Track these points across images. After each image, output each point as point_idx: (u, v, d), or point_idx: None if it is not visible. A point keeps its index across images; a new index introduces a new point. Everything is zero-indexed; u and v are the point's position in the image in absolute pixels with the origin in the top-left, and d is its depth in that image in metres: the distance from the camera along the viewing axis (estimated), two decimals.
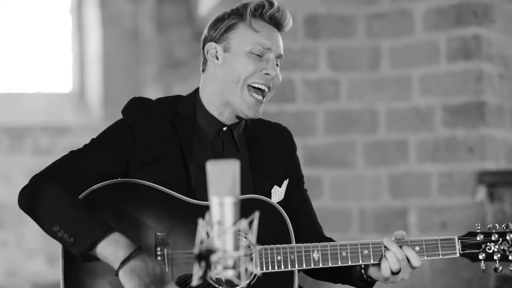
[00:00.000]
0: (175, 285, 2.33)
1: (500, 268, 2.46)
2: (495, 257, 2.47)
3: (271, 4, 2.59)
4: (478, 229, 2.50)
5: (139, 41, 7.10)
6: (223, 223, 1.66)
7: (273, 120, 2.82)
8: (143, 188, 2.49)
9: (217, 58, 2.59)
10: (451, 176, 4.61)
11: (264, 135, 2.69)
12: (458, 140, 4.60)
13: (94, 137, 2.59)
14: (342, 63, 4.84)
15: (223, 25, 2.59)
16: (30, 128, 6.86)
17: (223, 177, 1.66)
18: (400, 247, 2.45)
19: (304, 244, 2.45)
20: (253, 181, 2.58)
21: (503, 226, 2.50)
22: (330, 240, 2.61)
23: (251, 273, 2.40)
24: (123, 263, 2.31)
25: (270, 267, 2.43)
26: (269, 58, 2.57)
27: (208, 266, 1.66)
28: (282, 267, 2.43)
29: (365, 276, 2.51)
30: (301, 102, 4.81)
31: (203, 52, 2.63)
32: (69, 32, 7.27)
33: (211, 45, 2.60)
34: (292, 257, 2.44)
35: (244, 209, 1.80)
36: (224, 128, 2.61)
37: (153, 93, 6.90)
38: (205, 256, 1.65)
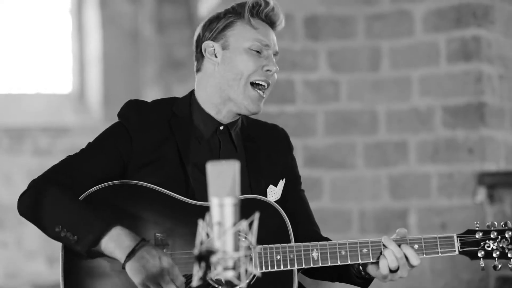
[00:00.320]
0: (181, 275, 2.33)
1: (499, 266, 2.46)
2: (494, 255, 2.48)
3: (267, 3, 2.63)
4: (477, 227, 2.50)
5: (139, 41, 7.10)
6: (223, 224, 1.66)
7: (273, 121, 2.83)
8: (142, 189, 2.49)
9: (216, 56, 2.60)
10: (451, 177, 4.61)
11: (260, 135, 2.69)
12: (458, 141, 4.60)
13: (93, 139, 2.60)
14: (342, 64, 4.84)
15: (220, 24, 2.61)
16: (30, 128, 6.86)
17: (223, 178, 1.66)
18: (399, 245, 2.45)
19: (304, 243, 2.45)
20: (249, 181, 2.59)
21: (502, 224, 2.51)
22: (327, 240, 2.61)
23: (251, 273, 2.40)
24: (129, 256, 2.32)
25: (269, 267, 2.43)
26: (268, 55, 2.60)
27: (208, 267, 1.66)
28: (282, 266, 2.44)
29: (363, 273, 2.51)
30: (301, 103, 4.81)
31: (199, 51, 2.64)
32: (69, 32, 7.27)
33: (208, 43, 2.61)
34: (292, 256, 2.44)
35: (243, 209, 1.80)
36: (221, 127, 2.61)
37: (153, 93, 6.90)
38: (205, 257, 1.65)
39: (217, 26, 2.61)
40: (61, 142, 6.81)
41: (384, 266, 2.44)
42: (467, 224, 2.56)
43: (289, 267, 2.44)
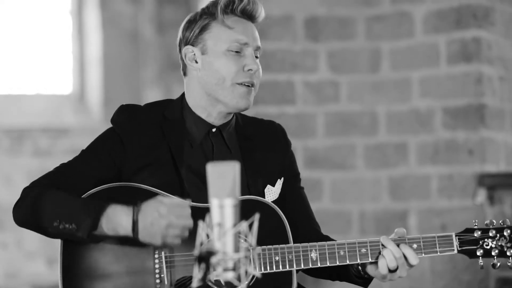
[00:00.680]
0: (188, 205, 2.32)
1: (498, 264, 2.46)
2: (493, 253, 2.47)
3: None
4: (475, 225, 2.50)
5: (139, 42, 7.10)
6: (223, 225, 1.66)
7: None
8: (140, 191, 2.49)
9: (196, 62, 2.57)
10: (451, 179, 4.61)
11: (257, 133, 2.67)
12: (458, 143, 4.60)
13: (91, 141, 2.60)
14: (342, 65, 4.84)
15: (196, 26, 2.57)
16: (30, 129, 6.85)
17: (223, 179, 1.66)
18: (398, 245, 2.45)
19: (302, 244, 2.45)
20: (247, 181, 2.58)
21: (500, 222, 2.51)
22: (328, 238, 2.61)
23: (250, 275, 2.40)
24: (134, 230, 2.33)
25: (268, 268, 2.43)
26: (248, 53, 2.55)
27: (208, 268, 1.66)
28: (281, 267, 2.43)
29: (362, 273, 2.51)
30: (301, 104, 4.81)
31: (181, 57, 2.62)
32: (69, 33, 7.27)
33: (188, 49, 2.58)
34: (290, 257, 2.44)
35: (242, 210, 1.80)
36: (213, 130, 2.60)
37: (153, 94, 6.90)
38: (205, 258, 1.65)
39: (194, 28, 2.57)
40: (61, 143, 6.81)
41: (383, 266, 2.44)
42: (467, 225, 2.56)
43: (288, 268, 2.44)
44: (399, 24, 4.78)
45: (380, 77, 4.82)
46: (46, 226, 2.42)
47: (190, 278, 2.40)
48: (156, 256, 2.42)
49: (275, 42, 4.74)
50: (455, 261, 4.50)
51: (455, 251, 2.48)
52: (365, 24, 4.85)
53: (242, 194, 2.52)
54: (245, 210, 1.85)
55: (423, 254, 2.47)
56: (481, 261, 2.48)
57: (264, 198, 2.59)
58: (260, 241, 2.36)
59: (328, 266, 2.47)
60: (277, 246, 2.44)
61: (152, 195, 2.46)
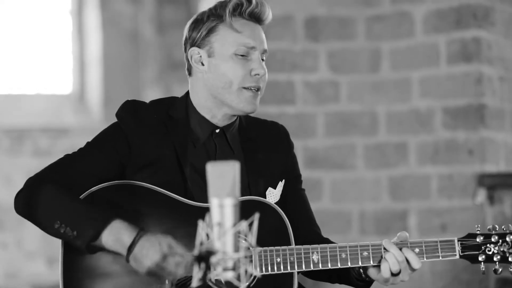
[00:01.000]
0: (186, 254, 2.29)
1: (500, 270, 2.46)
2: (495, 259, 2.47)
3: (249, 2, 2.54)
4: (477, 230, 2.50)
5: (139, 42, 7.10)
6: (223, 224, 1.66)
7: None
8: (142, 190, 2.48)
9: (202, 64, 2.56)
10: (451, 179, 4.61)
11: (260, 134, 2.67)
12: (458, 143, 4.60)
13: (90, 140, 2.59)
14: (342, 65, 4.84)
15: (203, 28, 2.56)
16: (30, 129, 6.85)
17: (223, 178, 1.66)
18: (400, 249, 2.45)
19: (304, 246, 2.45)
20: (248, 182, 2.58)
21: (503, 227, 2.50)
22: (328, 240, 2.61)
23: (251, 275, 2.40)
24: (130, 249, 2.30)
25: (269, 269, 2.42)
26: (255, 57, 2.54)
27: (208, 268, 1.66)
28: (282, 269, 2.43)
29: (363, 275, 2.51)
30: (301, 104, 4.81)
31: (187, 57, 2.61)
32: (69, 33, 7.27)
33: (194, 51, 2.57)
34: (292, 259, 2.44)
35: (243, 211, 1.80)
36: (217, 130, 2.60)
37: (153, 94, 6.90)
38: (205, 258, 1.65)
39: (201, 31, 2.56)
40: (61, 142, 6.81)
41: (385, 269, 2.43)
42: (467, 225, 2.56)
43: (289, 270, 2.43)
44: (399, 24, 4.78)
45: (380, 77, 4.82)
46: (45, 224, 2.41)
47: (191, 278, 2.40)
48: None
49: (275, 42, 4.73)
50: (455, 262, 4.48)
51: (457, 256, 2.48)
52: (365, 24, 4.85)
53: (243, 195, 2.52)
54: (247, 211, 1.85)
55: (425, 259, 2.46)
56: (483, 266, 2.48)
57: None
58: (262, 242, 2.36)
59: (329, 269, 2.47)
60: (278, 247, 2.43)
61: (155, 194, 2.46)
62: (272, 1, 4.71)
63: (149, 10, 7.07)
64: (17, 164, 6.74)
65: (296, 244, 2.47)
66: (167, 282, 2.33)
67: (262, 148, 2.64)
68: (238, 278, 1.68)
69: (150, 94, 6.91)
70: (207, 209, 1.73)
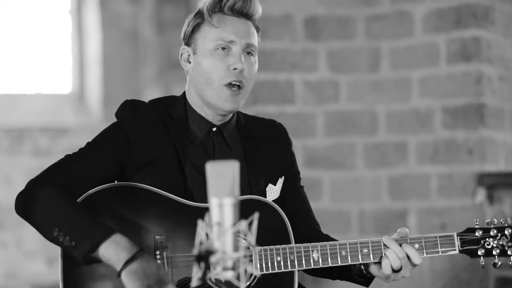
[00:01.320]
0: (175, 287, 2.33)
1: (499, 263, 2.47)
2: (494, 253, 2.48)
3: None
4: (476, 224, 2.50)
5: (139, 42, 7.10)
6: (222, 224, 1.66)
7: None
8: (142, 191, 2.48)
9: (189, 62, 2.58)
10: (450, 178, 4.61)
11: (259, 132, 2.67)
12: (458, 142, 4.60)
13: (91, 140, 2.59)
14: (342, 65, 4.84)
15: (189, 27, 2.58)
16: (29, 129, 6.85)
17: (222, 178, 1.66)
18: (400, 245, 2.45)
19: (304, 244, 2.45)
20: (249, 180, 2.58)
21: (501, 221, 2.51)
22: (328, 236, 2.61)
23: (251, 275, 2.40)
24: (126, 265, 2.30)
25: (270, 268, 2.42)
26: (235, 51, 2.52)
27: (208, 267, 1.66)
28: (282, 268, 2.43)
29: (365, 272, 2.51)
30: (301, 104, 4.81)
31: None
32: (69, 33, 7.27)
33: (184, 49, 2.59)
34: (292, 257, 2.44)
35: (243, 210, 1.80)
36: (214, 129, 2.60)
37: (153, 94, 6.90)
38: (204, 257, 1.65)
39: (187, 29, 2.58)
40: (61, 142, 6.81)
41: (386, 266, 2.44)
42: (467, 225, 2.56)
43: (289, 268, 2.44)
44: (399, 24, 4.78)
45: (380, 76, 4.82)
46: (43, 228, 2.41)
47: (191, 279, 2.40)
48: (158, 257, 2.41)
49: (275, 42, 4.74)
50: (454, 260, 4.50)
51: (457, 251, 2.48)
52: (364, 24, 4.85)
53: (244, 193, 2.52)
54: (246, 210, 1.85)
55: (424, 254, 2.47)
56: (482, 260, 2.48)
57: (266, 197, 2.59)
58: (262, 241, 2.36)
59: (330, 266, 2.47)
60: (278, 246, 2.43)
61: (155, 195, 2.46)
62: (272, 0, 4.72)
63: (148, 9, 7.07)
64: (16, 163, 6.74)
65: (296, 241, 2.47)
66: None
67: (262, 146, 2.65)
68: (238, 277, 1.68)
69: (149, 93, 6.91)
70: (206, 209, 1.72)
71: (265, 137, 2.67)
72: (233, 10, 2.54)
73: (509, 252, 2.48)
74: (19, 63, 7.15)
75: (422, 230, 4.63)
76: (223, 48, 2.51)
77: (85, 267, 2.39)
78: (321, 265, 2.44)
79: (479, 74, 4.57)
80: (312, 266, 2.44)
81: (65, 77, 7.27)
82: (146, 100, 2.65)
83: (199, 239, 1.69)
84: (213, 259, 1.65)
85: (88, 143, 2.57)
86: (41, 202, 2.42)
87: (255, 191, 2.56)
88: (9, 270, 6.69)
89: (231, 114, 2.62)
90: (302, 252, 2.44)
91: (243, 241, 2.17)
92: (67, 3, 7.26)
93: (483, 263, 2.48)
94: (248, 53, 2.55)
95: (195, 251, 1.67)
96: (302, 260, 2.44)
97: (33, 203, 2.43)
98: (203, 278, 1.66)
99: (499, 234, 2.48)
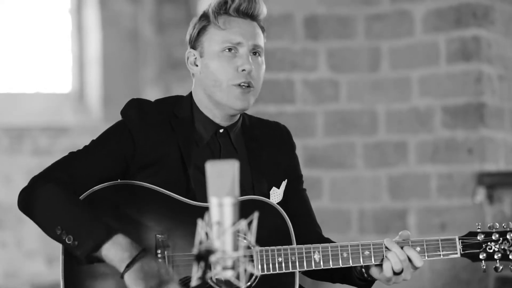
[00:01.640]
0: (179, 286, 2.33)
1: (501, 268, 2.47)
2: (495, 257, 2.48)
3: None
4: (478, 228, 2.50)
5: (139, 42, 7.10)
6: (222, 223, 1.66)
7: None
8: (144, 190, 2.48)
9: (196, 65, 2.57)
10: (450, 178, 4.61)
11: (263, 134, 2.67)
12: (458, 142, 4.60)
13: (94, 138, 2.59)
14: (341, 64, 4.84)
15: (195, 30, 2.57)
16: (29, 128, 6.85)
17: (222, 177, 1.66)
18: (401, 247, 2.45)
19: (305, 245, 2.45)
20: (252, 182, 2.58)
21: (503, 225, 2.51)
22: (329, 240, 2.61)
23: (252, 275, 2.40)
24: (128, 266, 2.30)
25: (271, 269, 2.42)
26: (242, 53, 2.52)
27: (207, 267, 1.66)
28: (283, 268, 2.43)
29: (366, 275, 2.51)
30: (300, 103, 4.81)
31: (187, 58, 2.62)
32: (69, 32, 7.27)
33: (190, 52, 2.59)
34: (293, 258, 2.44)
35: (245, 210, 1.80)
36: (221, 130, 2.60)
37: (152, 94, 6.90)
38: (204, 257, 1.65)
39: (193, 32, 2.58)
40: (60, 142, 6.81)
41: (388, 268, 2.43)
42: (467, 224, 2.56)
43: (290, 269, 2.43)
44: (399, 23, 4.78)
45: (380, 76, 4.82)
46: (46, 226, 2.41)
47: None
48: (159, 256, 2.41)
49: (275, 41, 4.74)
50: (454, 260, 4.49)
51: (458, 255, 2.48)
52: (364, 23, 4.85)
53: (248, 194, 2.52)
54: (249, 211, 1.85)
55: (426, 257, 2.47)
56: (483, 264, 2.48)
57: (269, 199, 2.58)
58: (263, 242, 2.36)
59: (330, 268, 2.47)
60: (280, 247, 2.43)
61: (157, 194, 2.46)
62: (272, 0, 4.72)
63: (148, 9, 7.07)
64: (16, 163, 6.74)
65: (297, 244, 2.47)
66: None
67: (266, 148, 2.64)
68: (238, 277, 1.68)
69: (149, 93, 6.92)
70: (207, 209, 1.72)
71: (269, 139, 2.67)
72: (238, 12, 2.54)
73: (510, 257, 2.48)
74: (19, 63, 7.15)
75: (422, 230, 4.64)
76: (230, 50, 2.52)
77: (86, 266, 2.39)
78: (322, 266, 2.44)
79: (479, 74, 4.57)
80: (313, 268, 2.44)
81: (65, 77, 7.27)
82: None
83: (199, 238, 1.69)
84: (213, 258, 1.65)
85: (93, 141, 2.56)
86: (44, 199, 2.42)
87: (259, 193, 2.56)
88: (9, 269, 6.69)
89: (239, 116, 2.62)
90: (304, 253, 2.44)
91: (243, 240, 2.17)
92: (67, 2, 7.26)
93: (484, 267, 2.48)
94: (255, 53, 2.56)
95: (195, 251, 1.67)
96: (303, 261, 2.44)
97: (35, 200, 2.43)
98: (203, 277, 1.66)
99: (501, 239, 2.48)
